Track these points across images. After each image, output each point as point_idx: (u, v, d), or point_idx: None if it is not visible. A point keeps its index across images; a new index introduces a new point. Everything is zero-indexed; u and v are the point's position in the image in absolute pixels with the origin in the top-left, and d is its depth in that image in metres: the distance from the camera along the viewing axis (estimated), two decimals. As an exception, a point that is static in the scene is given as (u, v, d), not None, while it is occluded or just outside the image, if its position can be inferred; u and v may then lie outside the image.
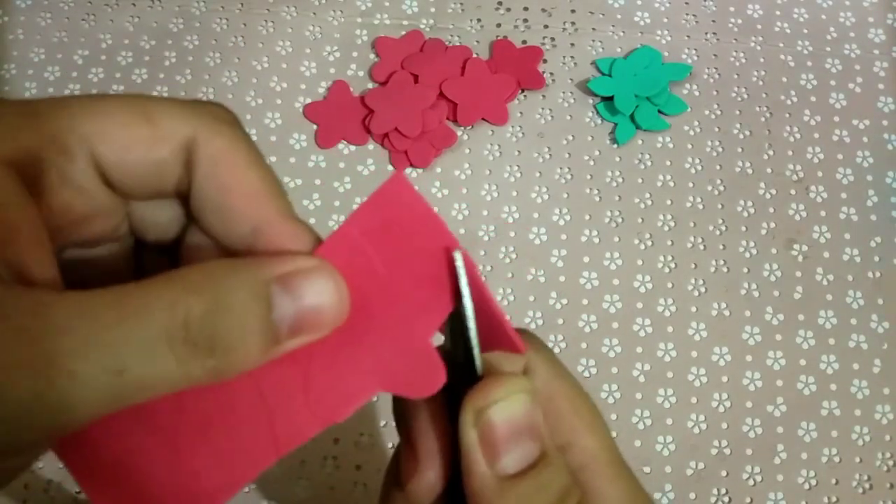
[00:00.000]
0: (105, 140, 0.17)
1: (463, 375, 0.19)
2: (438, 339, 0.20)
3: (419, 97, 0.47)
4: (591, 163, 0.47)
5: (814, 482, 0.41)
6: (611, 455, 0.21)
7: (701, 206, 0.46)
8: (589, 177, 0.47)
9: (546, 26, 0.51)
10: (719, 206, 0.46)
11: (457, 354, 0.19)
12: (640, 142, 0.47)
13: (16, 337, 0.15)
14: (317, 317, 0.17)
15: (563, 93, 0.49)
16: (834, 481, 0.41)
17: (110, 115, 0.18)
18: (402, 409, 0.20)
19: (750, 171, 0.47)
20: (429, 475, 0.19)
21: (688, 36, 0.50)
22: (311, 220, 0.38)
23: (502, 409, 0.18)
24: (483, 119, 0.48)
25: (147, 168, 0.18)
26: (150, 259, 0.22)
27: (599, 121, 0.48)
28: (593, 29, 0.51)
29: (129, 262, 0.21)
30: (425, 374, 0.18)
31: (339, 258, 0.18)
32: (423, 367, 0.18)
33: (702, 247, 0.45)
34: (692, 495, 0.40)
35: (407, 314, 0.18)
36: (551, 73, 0.49)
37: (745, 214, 0.46)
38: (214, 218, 0.19)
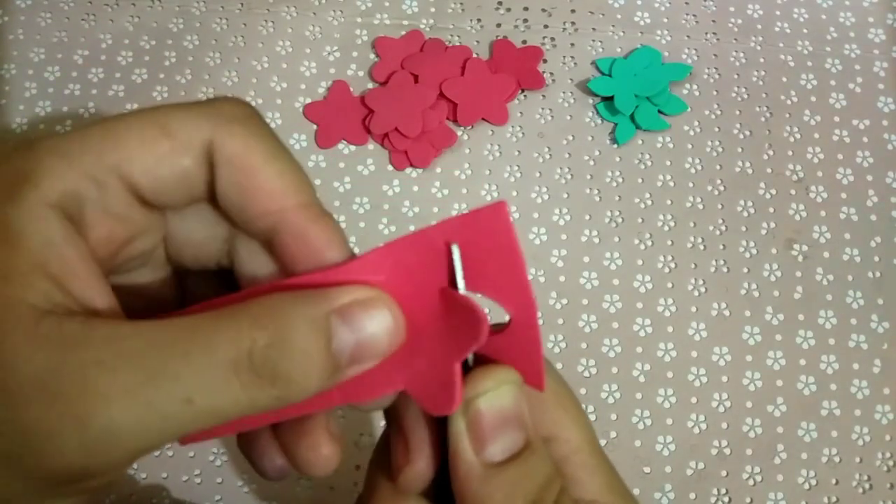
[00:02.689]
0: (132, 164, 0.18)
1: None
2: None
3: (419, 97, 0.47)
4: (591, 163, 0.47)
5: (814, 482, 0.41)
6: (592, 448, 0.22)
7: (701, 206, 0.46)
8: (589, 177, 0.47)
9: (546, 26, 0.51)
10: (719, 206, 0.46)
11: None
12: (640, 142, 0.47)
13: (95, 367, 0.16)
14: (374, 347, 0.18)
15: (563, 93, 0.49)
16: (834, 481, 0.41)
17: (131, 138, 0.18)
18: (394, 400, 0.21)
19: (750, 171, 0.47)
20: (420, 465, 0.20)
21: (688, 36, 0.50)
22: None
23: (490, 398, 0.19)
24: (483, 119, 0.48)
25: (176, 180, 0.19)
26: (195, 289, 0.22)
27: (599, 121, 0.48)
28: (593, 29, 0.51)
29: (174, 291, 0.22)
30: (445, 395, 0.18)
31: (404, 265, 0.19)
32: (445, 388, 0.18)
33: (702, 247, 0.45)
34: (692, 495, 0.40)
35: (449, 335, 0.19)
36: (551, 73, 0.49)
37: (745, 214, 0.46)
38: (240, 220, 0.19)
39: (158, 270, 0.21)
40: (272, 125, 0.49)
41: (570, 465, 0.21)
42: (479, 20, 0.51)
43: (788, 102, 0.48)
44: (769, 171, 0.47)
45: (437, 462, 0.20)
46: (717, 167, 0.47)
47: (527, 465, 0.19)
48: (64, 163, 0.17)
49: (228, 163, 0.19)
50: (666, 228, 0.46)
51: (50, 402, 0.15)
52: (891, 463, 0.41)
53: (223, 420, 0.17)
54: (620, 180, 0.47)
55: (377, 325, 0.18)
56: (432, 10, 0.51)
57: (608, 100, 0.48)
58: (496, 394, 0.19)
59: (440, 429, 0.20)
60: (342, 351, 0.18)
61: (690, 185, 0.46)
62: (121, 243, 0.19)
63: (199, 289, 0.22)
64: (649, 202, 0.46)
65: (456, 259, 0.18)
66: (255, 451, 0.22)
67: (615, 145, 0.47)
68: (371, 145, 0.47)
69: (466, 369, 0.20)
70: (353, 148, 0.47)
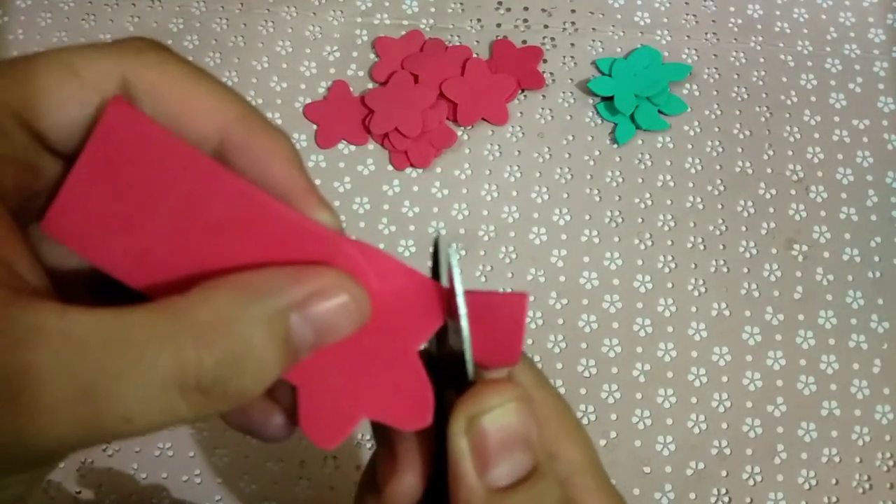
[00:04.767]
0: (36, 107, 0.16)
1: (447, 379, 0.18)
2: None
3: (419, 97, 0.47)
4: (591, 163, 0.47)
5: (814, 482, 0.41)
6: (594, 469, 0.20)
7: (701, 206, 0.46)
8: (589, 177, 0.47)
9: (546, 26, 0.51)
10: (719, 206, 0.46)
11: (441, 357, 0.19)
12: (640, 142, 0.47)
13: (27, 374, 0.14)
14: (337, 332, 0.17)
15: (563, 93, 0.49)
16: (834, 481, 0.41)
17: (36, 79, 0.17)
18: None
19: (750, 171, 0.47)
20: (408, 479, 0.19)
21: (688, 36, 0.50)
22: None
23: (496, 417, 0.17)
24: (483, 119, 0.48)
25: (87, 124, 0.17)
26: None
27: (599, 121, 0.48)
28: (593, 29, 0.51)
29: None
30: (415, 405, 0.17)
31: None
32: (413, 399, 0.17)
33: (702, 247, 0.45)
34: (692, 495, 0.40)
35: (399, 334, 0.17)
36: (551, 73, 0.49)
37: (745, 214, 0.46)
38: None
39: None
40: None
41: (571, 487, 0.20)
42: (479, 20, 0.51)
43: (788, 102, 0.48)
44: (769, 171, 0.47)
45: (427, 476, 0.19)
46: (717, 167, 0.47)
47: (534, 490, 0.18)
48: None
49: (151, 94, 0.17)
50: (666, 228, 0.45)
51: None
52: (891, 463, 0.41)
53: (170, 427, 0.16)
54: (620, 180, 0.47)
55: (340, 315, 0.17)
56: (432, 10, 0.51)
57: (608, 100, 0.48)
58: (502, 411, 0.17)
59: (432, 440, 0.19)
60: (303, 345, 0.16)
61: (690, 185, 0.46)
62: (31, 195, 0.17)
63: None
64: (649, 202, 0.46)
65: (453, 258, 0.17)
66: (250, 418, 0.20)
67: (615, 145, 0.47)
68: (371, 145, 0.47)
69: (468, 384, 0.18)
70: (353, 148, 0.47)
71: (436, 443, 0.19)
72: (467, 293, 0.17)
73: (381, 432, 0.20)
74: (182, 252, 0.17)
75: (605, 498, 0.20)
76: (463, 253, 0.45)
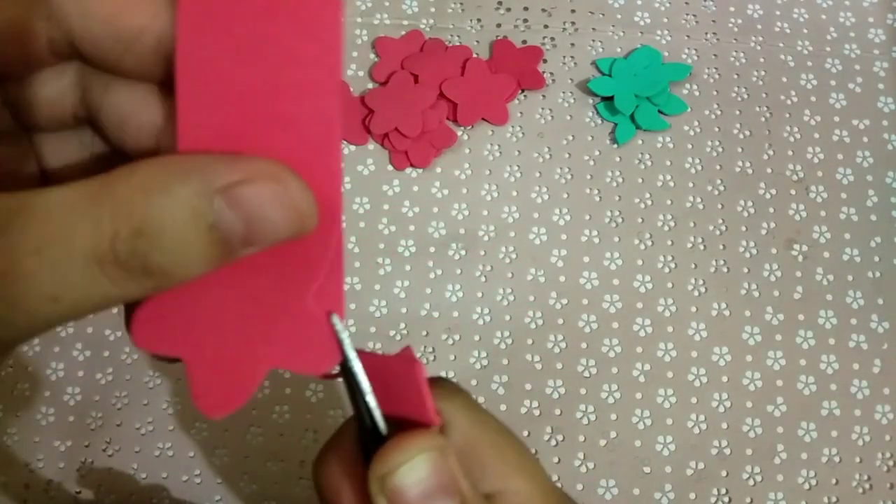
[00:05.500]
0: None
1: (375, 443, 0.18)
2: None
3: (419, 97, 0.47)
4: (591, 163, 0.47)
5: (814, 482, 0.41)
6: (544, 495, 0.20)
7: (701, 206, 0.46)
8: (589, 177, 0.47)
9: (546, 26, 0.51)
10: (719, 206, 0.46)
11: (364, 419, 0.18)
12: (640, 142, 0.47)
13: None
14: (271, 231, 0.16)
15: (563, 93, 0.49)
16: (834, 481, 0.41)
17: None
18: (327, 488, 0.19)
19: (750, 171, 0.47)
20: None
21: (688, 36, 0.50)
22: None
23: (407, 472, 0.17)
24: (483, 119, 0.48)
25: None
26: (55, 160, 0.20)
27: (599, 121, 0.48)
28: (593, 29, 0.51)
29: (31, 164, 0.20)
30: (318, 349, 0.17)
31: None
32: (315, 341, 0.17)
33: (702, 247, 0.45)
34: (692, 495, 0.40)
35: (293, 276, 0.17)
36: (551, 73, 0.49)
37: (745, 214, 0.46)
38: (109, 49, 0.17)
39: (5, 139, 0.19)
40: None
41: None
42: (479, 20, 0.51)
43: (788, 102, 0.48)
44: (769, 171, 0.47)
45: None
46: (717, 167, 0.47)
47: None
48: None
49: None
50: (666, 228, 0.46)
51: None
52: (891, 463, 0.41)
53: (102, 308, 0.15)
54: (620, 180, 0.47)
55: (271, 203, 0.15)
56: (432, 10, 0.51)
57: (608, 100, 0.48)
58: (412, 465, 0.17)
59: None
60: (230, 236, 0.15)
61: (690, 185, 0.46)
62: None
63: (59, 159, 0.19)
64: (649, 202, 0.46)
65: (340, 330, 0.17)
66: None
67: (615, 145, 0.47)
68: (371, 145, 0.47)
69: (381, 441, 0.18)
70: (353, 148, 0.47)
71: None
72: (362, 354, 0.17)
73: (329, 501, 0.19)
74: (236, 114, 0.16)
75: None
76: (465, 253, 0.45)
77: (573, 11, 0.51)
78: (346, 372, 0.18)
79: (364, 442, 0.18)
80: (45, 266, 0.14)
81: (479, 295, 0.44)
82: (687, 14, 0.51)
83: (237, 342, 0.17)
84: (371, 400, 0.18)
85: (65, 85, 0.18)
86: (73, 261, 0.14)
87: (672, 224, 0.46)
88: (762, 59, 0.50)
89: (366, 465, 0.18)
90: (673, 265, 0.45)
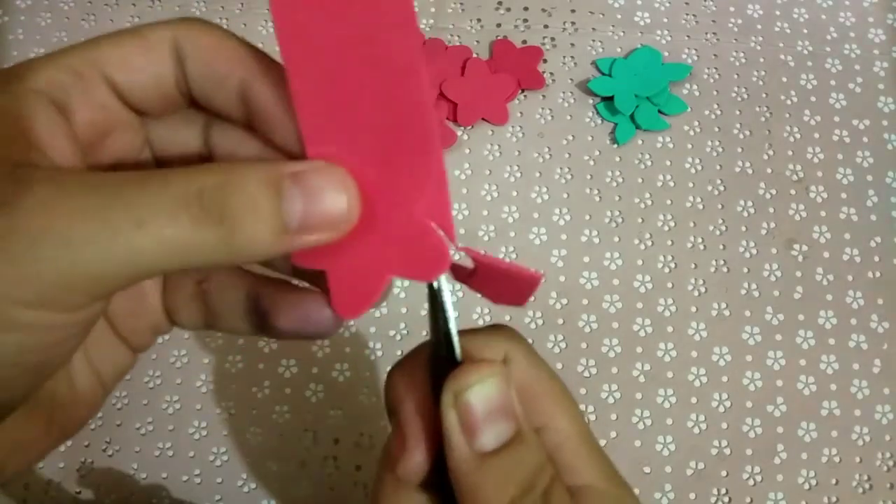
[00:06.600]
0: (111, 61, 0.21)
1: (446, 367, 0.21)
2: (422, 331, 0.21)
3: (419, 97, 0.47)
4: (591, 163, 0.47)
5: (814, 482, 0.41)
6: (583, 436, 0.22)
7: (701, 206, 0.46)
8: (589, 177, 0.47)
9: (546, 26, 0.51)
10: (719, 206, 0.46)
11: (440, 348, 0.21)
12: (640, 142, 0.47)
13: (58, 195, 0.17)
14: (326, 217, 0.19)
15: (563, 93, 0.49)
16: (834, 481, 0.41)
17: (112, 42, 0.21)
18: (393, 397, 0.22)
19: (750, 171, 0.47)
20: (416, 456, 0.21)
21: (688, 36, 0.50)
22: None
23: (478, 391, 0.20)
24: (483, 119, 0.48)
25: (147, 74, 0.21)
26: None
27: (599, 121, 0.48)
28: (593, 29, 0.51)
29: None
30: (432, 253, 0.20)
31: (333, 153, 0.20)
32: (426, 253, 0.20)
33: (702, 247, 0.45)
34: (692, 495, 0.40)
35: (403, 197, 0.20)
36: (551, 73, 0.49)
37: (745, 214, 0.46)
38: (212, 93, 0.21)
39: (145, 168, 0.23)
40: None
41: (563, 453, 0.22)
42: (479, 20, 0.51)
43: (788, 102, 0.48)
44: (769, 171, 0.47)
45: (433, 453, 0.21)
46: (717, 167, 0.47)
47: (517, 453, 0.20)
48: (48, 61, 0.20)
49: (193, 41, 0.21)
50: (666, 228, 0.46)
51: (11, 221, 0.17)
52: (891, 463, 0.41)
53: (181, 257, 0.18)
54: (620, 180, 0.47)
55: (330, 194, 0.19)
56: (432, 10, 0.51)
57: (608, 100, 0.48)
58: (483, 386, 0.20)
59: (437, 423, 0.21)
60: (291, 213, 0.19)
61: (690, 185, 0.46)
62: (102, 131, 0.21)
63: None
64: (649, 202, 0.46)
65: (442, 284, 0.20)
66: (303, 314, 0.23)
67: (615, 145, 0.47)
68: (371, 145, 0.47)
69: (454, 365, 0.21)
70: (353, 148, 0.47)
71: (438, 423, 0.21)
72: (484, 258, 0.20)
73: (395, 418, 0.22)
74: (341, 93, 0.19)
75: (595, 461, 0.22)
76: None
77: (573, 11, 0.51)
78: (434, 297, 0.21)
79: (434, 367, 0.21)
80: (143, 196, 0.18)
81: (479, 295, 0.44)
82: (687, 14, 0.51)
83: (364, 257, 0.20)
84: (453, 327, 0.21)
85: (193, 128, 0.22)
86: (166, 197, 0.18)
87: (672, 224, 0.46)
88: (762, 59, 0.50)
89: (432, 386, 0.21)
90: (673, 265, 0.45)
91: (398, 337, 0.43)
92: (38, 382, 0.20)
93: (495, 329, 0.23)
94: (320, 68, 0.19)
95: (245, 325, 0.24)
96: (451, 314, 0.21)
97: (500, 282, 0.22)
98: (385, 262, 0.20)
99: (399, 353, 0.43)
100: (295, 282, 0.23)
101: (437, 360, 0.21)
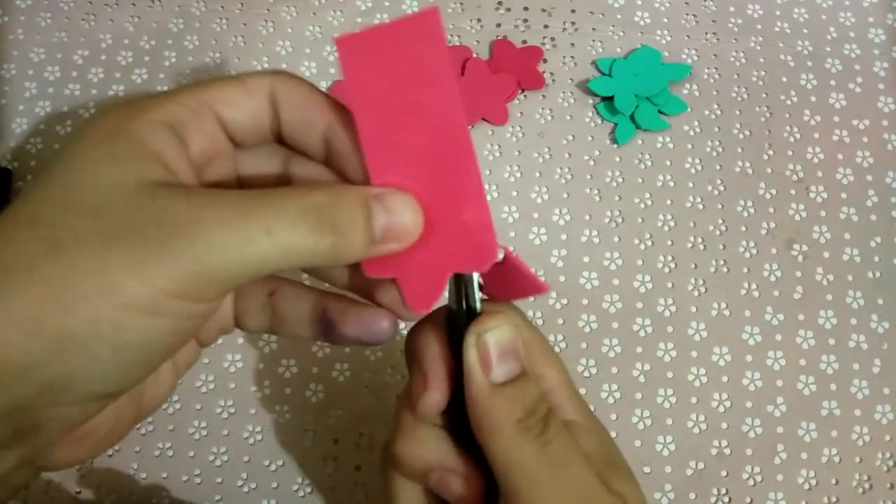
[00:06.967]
0: (219, 100, 0.25)
1: (463, 323, 0.25)
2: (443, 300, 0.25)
3: (419, 97, 0.47)
4: (591, 163, 0.47)
5: (814, 482, 0.41)
6: (566, 383, 0.28)
7: (701, 206, 0.46)
8: (589, 177, 0.47)
9: (546, 26, 0.51)
10: (719, 206, 0.46)
11: (459, 313, 0.25)
12: (640, 142, 0.47)
13: (200, 207, 0.21)
14: (401, 229, 0.24)
15: (563, 93, 0.49)
16: (834, 481, 0.41)
17: (216, 85, 0.25)
18: (416, 348, 0.26)
19: (750, 171, 0.47)
20: (435, 394, 0.25)
21: (688, 36, 0.50)
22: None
23: (494, 334, 0.25)
24: (483, 119, 0.48)
25: (248, 113, 0.25)
26: None
27: (599, 121, 0.48)
28: (593, 29, 0.51)
29: None
30: (482, 248, 0.24)
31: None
32: (477, 247, 0.24)
33: (702, 247, 0.45)
34: (692, 495, 0.40)
35: (452, 209, 0.24)
36: (551, 73, 0.49)
37: (745, 214, 0.46)
38: (300, 134, 0.25)
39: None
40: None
41: (553, 396, 0.27)
42: (479, 20, 0.51)
43: (788, 102, 0.48)
44: (769, 171, 0.47)
45: (449, 394, 0.25)
46: (717, 167, 0.47)
47: (522, 386, 0.25)
48: (167, 98, 0.24)
49: (287, 91, 0.25)
50: (666, 228, 0.46)
51: (166, 228, 0.21)
52: (891, 463, 0.41)
53: (296, 259, 0.22)
54: (620, 180, 0.47)
55: (404, 212, 0.24)
56: (432, 10, 0.51)
57: (608, 100, 0.48)
58: (499, 330, 0.25)
59: (452, 367, 0.25)
60: (377, 226, 0.23)
61: (690, 185, 0.46)
62: (209, 157, 0.25)
63: None
64: (649, 202, 0.46)
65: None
66: (364, 324, 0.27)
67: (615, 145, 0.47)
68: (371, 145, 0.47)
69: (475, 314, 0.25)
70: (353, 148, 0.47)
71: (455, 369, 0.25)
72: (513, 255, 0.25)
73: (417, 363, 0.26)
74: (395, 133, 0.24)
75: (577, 402, 0.27)
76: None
77: (573, 11, 0.51)
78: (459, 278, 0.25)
79: (451, 324, 0.25)
80: (270, 209, 0.22)
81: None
82: (687, 14, 0.51)
83: (427, 260, 0.25)
84: (477, 288, 0.25)
85: (275, 158, 0.27)
86: (289, 211, 0.22)
87: (672, 224, 0.46)
88: (762, 59, 0.50)
89: (448, 339, 0.25)
90: (673, 265, 0.45)
91: (398, 337, 0.43)
92: (157, 367, 0.24)
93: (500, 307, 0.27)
94: (381, 115, 0.24)
95: (309, 331, 0.28)
96: (476, 278, 0.25)
97: (513, 280, 0.25)
98: (444, 261, 0.25)
99: (399, 353, 0.43)
100: (350, 295, 0.27)
101: (455, 318, 0.25)
